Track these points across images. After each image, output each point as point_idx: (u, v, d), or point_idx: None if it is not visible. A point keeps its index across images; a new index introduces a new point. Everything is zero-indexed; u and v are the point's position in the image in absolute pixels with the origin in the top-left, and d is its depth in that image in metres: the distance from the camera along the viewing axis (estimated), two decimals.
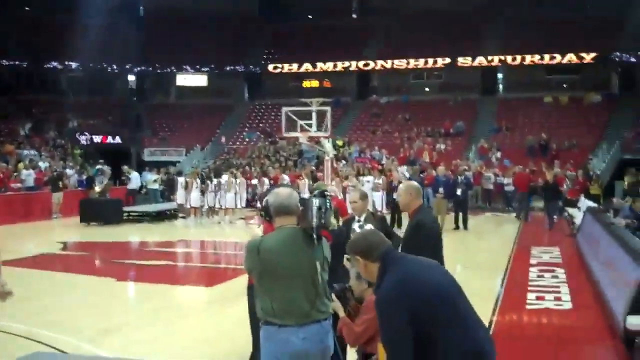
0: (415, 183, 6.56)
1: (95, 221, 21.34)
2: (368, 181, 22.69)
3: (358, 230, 6.37)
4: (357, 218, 6.64)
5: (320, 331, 4.01)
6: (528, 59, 39.14)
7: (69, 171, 27.85)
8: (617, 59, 38.20)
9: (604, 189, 26.48)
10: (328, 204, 4.11)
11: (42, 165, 28.45)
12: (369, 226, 6.29)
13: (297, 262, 3.96)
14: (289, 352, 3.95)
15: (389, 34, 43.13)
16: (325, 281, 4.12)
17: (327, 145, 26.96)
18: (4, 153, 29.41)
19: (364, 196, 6.72)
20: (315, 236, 4.02)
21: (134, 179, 27.79)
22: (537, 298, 10.01)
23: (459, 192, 19.77)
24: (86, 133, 37.95)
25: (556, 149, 32.19)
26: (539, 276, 11.82)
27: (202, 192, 22.09)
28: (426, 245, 5.78)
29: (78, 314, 9.40)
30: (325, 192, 4.21)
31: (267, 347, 4.02)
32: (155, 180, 28.66)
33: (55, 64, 41.43)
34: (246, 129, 41.64)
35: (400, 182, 21.68)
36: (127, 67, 44.42)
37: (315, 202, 4.05)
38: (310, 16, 45.51)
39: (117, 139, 38.94)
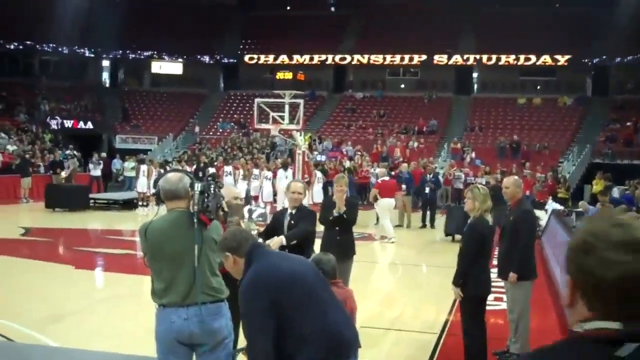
0: (516, 177, 7.71)
1: (61, 207, 21.05)
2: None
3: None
4: (289, 211, 6.77)
5: (204, 313, 4.08)
6: (503, 59, 39.27)
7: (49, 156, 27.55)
8: (590, 62, 38.47)
9: (573, 192, 26.67)
10: (212, 188, 4.20)
11: (10, 148, 28.07)
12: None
13: (178, 245, 4.07)
14: (170, 331, 4.07)
15: (366, 28, 43.13)
16: (214, 263, 4.23)
17: (300, 138, 26.88)
18: None
19: (305, 189, 6.99)
20: (195, 220, 4.11)
21: (99, 166, 27.59)
22: (495, 299, 9.93)
23: (427, 190, 19.79)
24: (57, 117, 37.41)
25: (527, 151, 32.36)
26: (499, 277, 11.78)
27: None
28: (534, 229, 7.09)
29: (28, 300, 9.22)
30: (210, 178, 4.31)
31: (155, 327, 4.17)
32: (133, 168, 28.32)
33: (27, 45, 40.64)
34: (220, 119, 41.41)
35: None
36: (102, 52, 43.82)
37: (198, 186, 4.16)
38: (288, 7, 45.33)
39: (89, 125, 38.45)
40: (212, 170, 22.64)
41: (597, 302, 1.50)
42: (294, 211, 6.71)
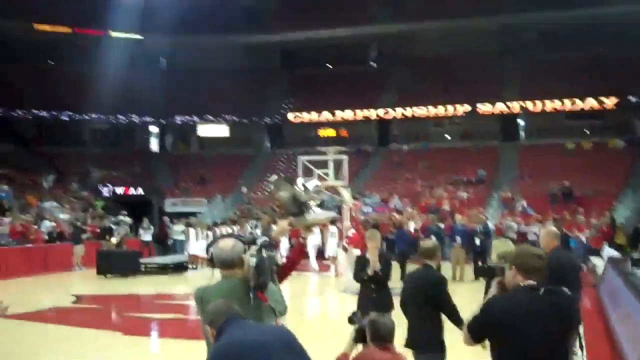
0: (553, 228, 7.91)
1: (112, 273, 21.27)
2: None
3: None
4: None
5: None
6: (548, 104, 38.85)
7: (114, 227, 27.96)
8: (638, 103, 37.76)
9: (630, 238, 25.84)
10: (267, 262, 4.16)
11: (63, 217, 28.57)
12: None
13: None
14: None
15: (407, 81, 43.21)
16: None
17: (346, 194, 26.75)
18: (27, 205, 29.64)
19: None
20: (252, 295, 4.10)
21: (150, 231, 27.76)
22: None
23: (477, 241, 19.38)
24: (108, 185, 38.11)
25: (580, 196, 31.62)
26: None
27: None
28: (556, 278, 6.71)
29: None
30: (264, 248, 4.23)
31: None
32: (182, 231, 28.49)
33: (77, 115, 41.78)
34: (267, 179, 41.59)
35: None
36: (149, 118, 44.76)
37: (252, 261, 4.08)
38: (329, 65, 45.86)
39: (140, 190, 39.09)
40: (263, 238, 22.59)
41: (527, 274, 3.99)
42: None
